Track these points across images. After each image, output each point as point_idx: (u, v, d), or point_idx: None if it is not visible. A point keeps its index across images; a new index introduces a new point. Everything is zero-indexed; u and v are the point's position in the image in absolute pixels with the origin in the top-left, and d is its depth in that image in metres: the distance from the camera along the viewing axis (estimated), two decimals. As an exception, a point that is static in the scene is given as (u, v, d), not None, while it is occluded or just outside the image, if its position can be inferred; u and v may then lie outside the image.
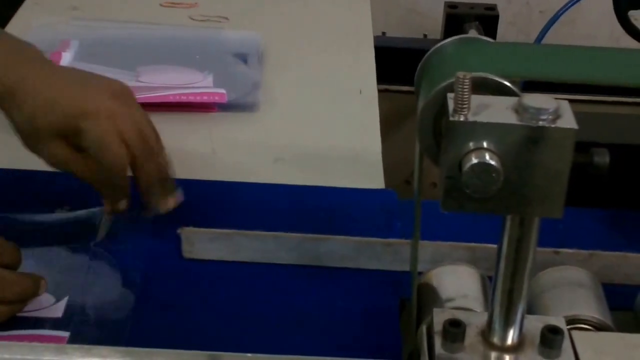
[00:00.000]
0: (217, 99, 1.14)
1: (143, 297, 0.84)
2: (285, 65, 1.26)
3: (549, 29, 1.37)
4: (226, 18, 1.37)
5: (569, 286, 0.79)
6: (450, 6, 1.56)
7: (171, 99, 1.13)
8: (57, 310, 0.82)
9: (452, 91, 0.59)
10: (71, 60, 1.20)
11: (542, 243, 0.64)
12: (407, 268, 0.76)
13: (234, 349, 0.67)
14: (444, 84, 0.63)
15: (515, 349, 0.66)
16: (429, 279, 0.80)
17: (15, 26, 1.31)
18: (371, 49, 1.32)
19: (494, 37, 1.52)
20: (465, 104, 0.58)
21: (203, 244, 0.89)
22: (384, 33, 1.67)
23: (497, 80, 0.63)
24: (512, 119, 0.58)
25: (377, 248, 0.88)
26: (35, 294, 0.81)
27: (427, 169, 0.68)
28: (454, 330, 0.65)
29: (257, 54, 1.26)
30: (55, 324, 0.81)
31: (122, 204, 0.88)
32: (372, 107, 1.18)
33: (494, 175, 0.58)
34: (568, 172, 0.59)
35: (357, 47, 1.32)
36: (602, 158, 0.64)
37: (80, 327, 0.80)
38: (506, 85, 0.63)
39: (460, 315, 0.67)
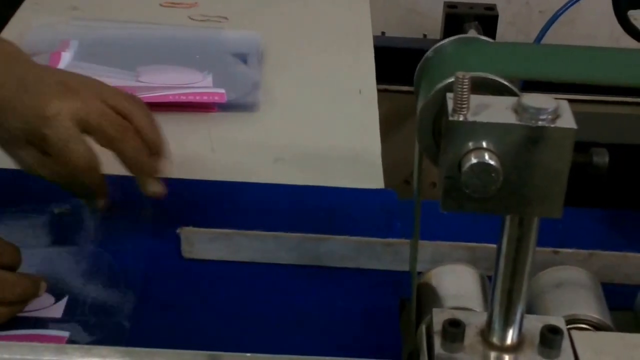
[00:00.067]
0: (216, 99, 1.14)
1: (143, 297, 0.84)
2: (285, 65, 1.26)
3: (548, 28, 1.37)
4: (226, 18, 1.37)
5: (569, 286, 0.79)
6: (449, 6, 1.56)
7: (171, 99, 1.13)
8: (57, 310, 0.82)
9: (451, 91, 0.59)
10: (71, 60, 1.20)
11: (541, 243, 0.64)
12: (407, 268, 0.76)
13: (233, 349, 0.67)
14: (443, 83, 0.63)
15: (514, 348, 0.66)
16: (428, 278, 0.80)
17: (15, 26, 1.31)
18: (371, 49, 1.32)
19: (494, 37, 1.52)
20: (464, 104, 0.58)
21: (203, 244, 0.89)
22: (383, 33, 1.67)
23: (496, 80, 0.63)
24: (511, 118, 0.58)
25: (377, 248, 0.88)
26: (35, 294, 0.81)
27: (426, 169, 0.68)
28: (454, 330, 0.65)
29: (256, 54, 1.26)
30: (55, 324, 0.81)
31: (100, 203, 0.88)
32: (372, 107, 1.18)
33: (493, 175, 0.58)
34: (567, 172, 0.59)
35: (357, 47, 1.32)
36: (602, 158, 0.64)
37: (80, 327, 0.80)
38: (505, 85, 0.63)
39: (460, 315, 0.67)
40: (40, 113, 0.84)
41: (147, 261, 0.89)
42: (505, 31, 1.71)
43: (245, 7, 1.41)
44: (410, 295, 0.76)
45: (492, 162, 0.58)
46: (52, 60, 1.18)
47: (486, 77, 0.63)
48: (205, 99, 1.14)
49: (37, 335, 0.79)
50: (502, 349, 0.66)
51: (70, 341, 0.79)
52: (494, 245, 0.64)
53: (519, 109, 0.58)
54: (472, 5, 1.56)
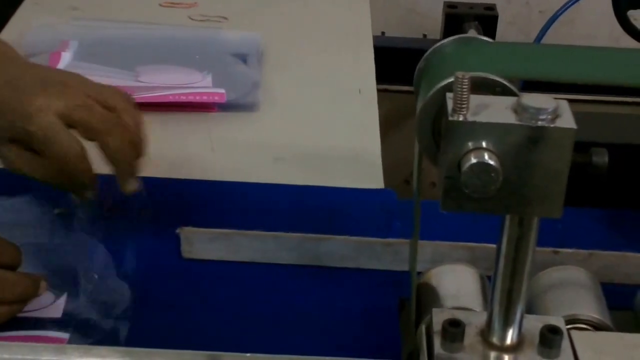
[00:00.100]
0: (216, 99, 1.14)
1: (142, 297, 0.84)
2: (285, 65, 1.26)
3: (548, 28, 1.37)
4: (225, 18, 1.37)
5: (568, 286, 0.79)
6: (449, 6, 1.56)
7: (170, 99, 1.13)
8: (57, 309, 0.82)
9: (451, 91, 0.59)
10: (70, 60, 1.20)
11: (541, 243, 0.64)
12: (406, 268, 0.76)
13: (233, 349, 0.67)
14: (443, 83, 0.63)
15: (514, 348, 0.66)
16: (428, 278, 0.80)
17: (15, 26, 1.31)
18: (370, 49, 1.32)
19: (494, 37, 1.52)
20: (464, 104, 0.58)
21: (202, 243, 0.89)
22: (383, 33, 1.67)
23: (496, 80, 0.63)
24: (511, 118, 0.58)
25: (377, 248, 0.88)
26: (35, 294, 0.81)
27: (426, 169, 0.68)
28: (453, 330, 0.65)
29: (256, 53, 1.26)
30: (55, 324, 0.81)
31: (88, 194, 0.88)
32: (372, 107, 1.18)
33: (493, 175, 0.58)
34: (567, 172, 0.59)
35: (357, 47, 1.32)
36: (601, 158, 0.64)
37: (80, 327, 0.80)
38: (505, 85, 0.63)
39: (460, 315, 0.67)
40: (23, 110, 0.83)
41: (146, 261, 0.89)
42: (505, 31, 1.71)
43: (245, 7, 1.41)
44: (410, 295, 0.76)
45: (491, 162, 0.58)
46: (51, 60, 1.18)
47: (486, 77, 0.63)
48: (205, 99, 1.14)
49: (37, 336, 0.79)
50: (502, 348, 0.66)
51: (70, 342, 0.79)
52: (494, 245, 0.64)
53: (518, 109, 0.58)
54: (472, 5, 1.56)
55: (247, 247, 0.89)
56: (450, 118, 0.58)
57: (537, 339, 0.66)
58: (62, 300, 0.83)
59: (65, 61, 1.19)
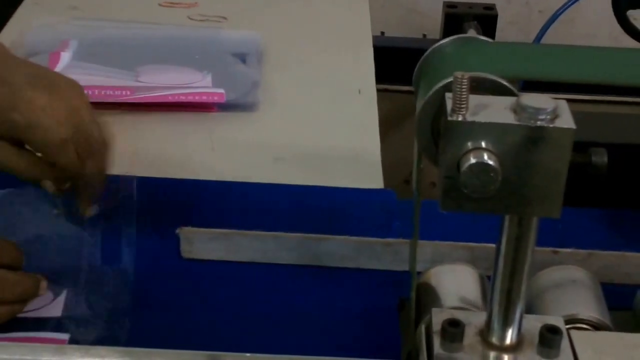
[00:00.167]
0: (216, 98, 1.14)
1: (142, 296, 0.84)
2: (285, 65, 1.26)
3: (548, 28, 1.37)
4: (225, 18, 1.37)
5: (568, 286, 0.79)
6: (449, 6, 1.56)
7: (170, 99, 1.13)
8: (56, 307, 0.82)
9: (450, 91, 0.59)
10: (70, 60, 1.20)
11: (541, 243, 0.64)
12: (406, 268, 0.76)
13: (233, 348, 0.67)
14: (442, 83, 0.63)
15: (514, 348, 0.66)
16: (427, 278, 0.80)
17: (15, 26, 1.31)
18: (370, 49, 1.32)
19: (493, 37, 1.52)
20: (463, 104, 0.58)
21: (202, 243, 0.89)
22: (383, 33, 1.67)
23: (495, 80, 0.63)
24: (510, 118, 0.58)
25: (377, 248, 0.89)
26: (35, 294, 0.81)
27: (426, 169, 0.68)
28: (453, 330, 0.65)
29: (256, 53, 1.26)
30: (55, 324, 0.81)
31: (67, 185, 0.87)
32: (371, 107, 1.18)
33: (492, 175, 0.58)
34: (566, 172, 0.59)
35: (356, 46, 1.32)
36: (601, 158, 0.64)
37: (80, 327, 0.80)
38: (504, 85, 0.63)
39: (459, 315, 0.67)
40: (9, 103, 0.82)
41: (146, 261, 0.89)
42: (504, 31, 1.71)
43: (245, 7, 1.41)
44: (410, 295, 0.76)
45: (491, 162, 0.58)
46: (51, 60, 1.18)
47: (485, 77, 0.63)
48: (204, 98, 1.14)
49: (37, 338, 0.79)
50: (502, 348, 0.66)
51: (71, 342, 0.79)
52: (493, 245, 0.64)
53: (517, 109, 0.58)
54: (471, 5, 1.55)
55: (247, 247, 0.89)
56: (449, 118, 0.58)
57: (536, 339, 0.66)
58: (62, 299, 0.83)
59: (64, 61, 1.19)
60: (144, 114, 1.12)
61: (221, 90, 1.15)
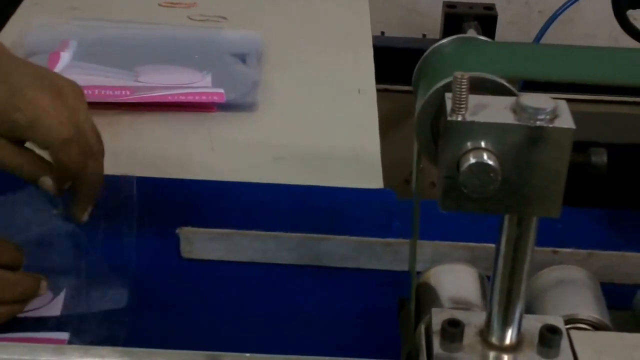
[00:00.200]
0: (215, 98, 1.14)
1: (142, 296, 0.84)
2: (284, 65, 1.26)
3: (547, 28, 1.37)
4: (225, 18, 1.37)
5: (568, 286, 0.79)
6: (448, 6, 1.56)
7: (170, 99, 1.13)
8: (56, 307, 0.82)
9: (450, 91, 0.59)
10: (70, 60, 1.20)
11: (540, 242, 0.64)
12: (406, 268, 0.76)
13: (233, 348, 0.67)
14: (441, 83, 0.63)
15: (513, 348, 0.66)
16: (427, 278, 0.80)
17: (15, 26, 1.31)
18: (370, 49, 1.32)
19: (493, 37, 1.52)
20: (462, 104, 0.58)
21: (202, 243, 0.89)
22: (383, 33, 1.67)
23: (495, 80, 0.63)
24: (510, 118, 0.58)
25: (377, 248, 0.89)
26: (35, 294, 0.81)
27: (426, 169, 0.68)
28: (453, 330, 0.65)
29: (256, 53, 1.26)
30: (54, 324, 0.81)
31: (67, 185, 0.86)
32: (371, 107, 1.18)
33: (492, 175, 0.58)
34: (566, 172, 0.59)
35: (356, 46, 1.32)
36: (600, 158, 0.64)
37: (79, 326, 0.80)
38: (504, 85, 0.63)
39: (459, 315, 0.67)
40: (10, 102, 0.81)
41: (145, 260, 0.89)
42: (504, 31, 1.71)
43: (245, 7, 1.41)
44: (409, 295, 0.76)
45: (490, 162, 0.58)
46: (51, 60, 1.18)
47: (485, 77, 0.63)
48: (204, 98, 1.14)
49: (36, 338, 0.79)
50: (501, 348, 0.66)
51: (70, 342, 0.79)
52: (493, 245, 0.64)
53: (517, 109, 0.58)
54: (471, 5, 1.56)
55: (247, 247, 0.89)
56: (449, 118, 0.58)
57: (536, 339, 0.66)
58: (61, 298, 0.83)
59: (64, 61, 1.19)
60: (143, 114, 1.12)
61: (221, 90, 1.15)
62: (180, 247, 0.90)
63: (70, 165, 0.83)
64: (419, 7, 1.86)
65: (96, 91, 1.11)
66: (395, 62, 1.38)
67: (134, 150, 1.04)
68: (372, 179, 1.03)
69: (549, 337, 0.65)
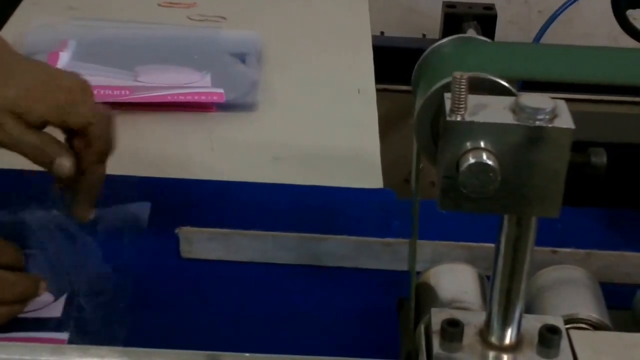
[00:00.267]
0: (215, 98, 1.14)
1: (141, 296, 0.84)
2: (284, 65, 1.26)
3: (547, 28, 1.37)
4: (224, 18, 1.37)
5: (567, 285, 0.79)
6: (448, 6, 1.56)
7: (169, 99, 1.13)
8: (57, 308, 0.82)
9: (449, 91, 0.59)
10: (69, 60, 1.20)
11: (540, 242, 0.64)
12: (405, 267, 0.76)
13: (232, 348, 0.67)
14: (441, 83, 0.63)
15: (513, 348, 0.66)
16: (427, 278, 0.80)
17: (14, 26, 1.31)
18: (370, 49, 1.32)
19: (493, 37, 1.52)
20: (462, 104, 0.58)
21: (201, 243, 0.89)
22: (382, 32, 1.67)
23: (494, 80, 0.63)
24: (509, 118, 0.58)
25: (376, 248, 0.89)
26: (35, 294, 0.81)
27: (426, 168, 0.68)
28: (452, 329, 0.65)
29: (255, 53, 1.26)
30: (54, 324, 0.81)
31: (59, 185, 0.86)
32: (371, 107, 1.18)
33: (491, 175, 0.58)
34: (565, 172, 0.59)
35: (356, 46, 1.32)
36: (600, 158, 0.64)
37: (80, 327, 0.80)
38: (503, 85, 0.63)
39: (459, 315, 0.67)
40: (68, 100, 0.82)
41: (146, 261, 0.89)
42: (504, 31, 1.71)
43: (244, 7, 1.41)
44: (409, 295, 0.76)
45: (490, 162, 0.58)
46: (50, 60, 1.18)
47: (484, 77, 0.63)
48: (203, 98, 1.14)
49: (36, 338, 0.79)
50: (501, 348, 0.66)
51: (70, 342, 0.79)
52: (493, 245, 0.64)
53: (516, 109, 0.58)
54: (471, 5, 1.56)
55: (246, 246, 0.89)
56: (448, 118, 0.58)
57: (536, 339, 0.66)
58: (62, 301, 0.83)
59: (63, 61, 1.19)
60: (143, 114, 1.12)
61: (220, 90, 1.15)
62: (180, 247, 0.90)
63: (111, 139, 0.84)
64: (418, 7, 1.86)
65: (95, 91, 1.11)
66: (394, 62, 1.38)
67: (134, 150, 1.04)
68: (372, 178, 1.03)
69: (548, 337, 0.65)
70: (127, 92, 1.13)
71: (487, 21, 1.53)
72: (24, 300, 0.81)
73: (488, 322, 0.66)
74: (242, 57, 1.25)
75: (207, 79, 1.18)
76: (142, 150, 1.04)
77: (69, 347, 0.68)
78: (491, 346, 0.66)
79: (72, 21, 1.32)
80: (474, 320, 0.68)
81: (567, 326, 0.69)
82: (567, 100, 0.60)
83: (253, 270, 0.89)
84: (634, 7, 1.21)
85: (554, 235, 0.88)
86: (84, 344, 0.77)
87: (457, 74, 0.57)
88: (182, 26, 1.34)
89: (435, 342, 0.66)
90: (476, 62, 0.65)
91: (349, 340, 0.82)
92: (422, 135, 0.65)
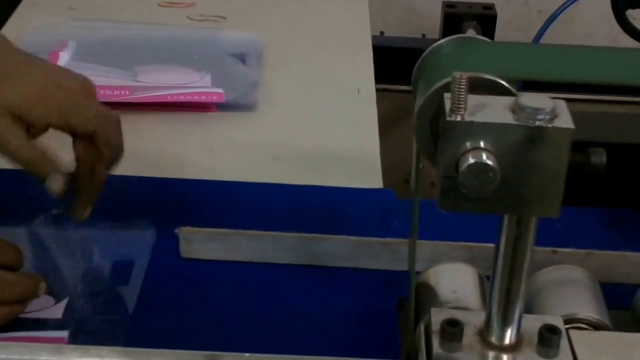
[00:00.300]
0: (215, 98, 1.14)
1: (141, 296, 0.84)
2: (284, 65, 1.26)
3: (547, 28, 1.37)
4: (224, 18, 1.37)
5: (567, 285, 0.79)
6: (448, 5, 1.56)
7: (169, 99, 1.13)
8: (57, 311, 0.82)
9: (449, 91, 0.59)
10: (69, 60, 1.20)
11: (539, 242, 0.64)
12: (405, 267, 0.76)
13: (232, 348, 0.67)
14: (440, 83, 0.63)
15: (513, 348, 0.66)
16: (426, 278, 0.80)
17: (13, 26, 1.31)
18: (369, 49, 1.32)
19: (492, 37, 1.52)
20: (461, 104, 0.58)
21: (201, 243, 0.89)
22: (382, 32, 1.67)
23: (493, 80, 0.63)
24: (509, 118, 0.58)
25: (376, 247, 0.89)
26: (35, 294, 0.81)
27: (426, 168, 0.68)
28: (452, 329, 0.65)
29: (255, 53, 1.26)
30: (54, 324, 0.81)
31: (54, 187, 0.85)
32: (371, 107, 1.18)
33: (490, 175, 0.58)
34: (565, 172, 0.59)
35: (356, 46, 1.32)
36: (599, 158, 0.64)
37: (80, 326, 0.80)
38: (503, 85, 0.63)
39: (458, 315, 0.67)
40: (74, 102, 0.83)
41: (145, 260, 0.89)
42: (503, 30, 1.71)
43: (244, 7, 1.41)
44: (408, 295, 0.76)
45: (489, 162, 0.58)
46: (50, 60, 1.18)
47: (483, 77, 0.63)
48: (203, 98, 1.14)
49: (36, 337, 0.79)
50: (501, 348, 0.66)
51: (70, 340, 0.79)
52: (492, 245, 0.64)
53: (516, 109, 0.58)
54: (470, 5, 1.56)
55: (246, 246, 0.89)
56: (447, 118, 0.58)
57: (535, 339, 0.66)
58: (63, 303, 0.83)
59: (63, 61, 1.19)
60: (142, 114, 1.12)
61: (220, 90, 1.15)
62: (180, 247, 0.89)
63: (119, 144, 0.84)
64: (418, 6, 1.86)
65: (95, 91, 1.11)
66: (394, 62, 1.38)
67: (133, 150, 1.04)
68: (372, 178, 1.03)
69: (548, 336, 0.65)
70: (127, 92, 1.13)
71: (486, 21, 1.53)
72: (24, 300, 0.81)
73: (488, 322, 0.66)
74: (242, 58, 1.25)
75: (207, 79, 1.18)
76: (142, 150, 1.04)
77: (69, 347, 0.68)
78: (491, 346, 0.66)
79: (72, 21, 1.32)
80: (473, 320, 0.68)
81: (567, 326, 0.69)
82: (566, 100, 0.60)
83: (253, 270, 0.89)
84: (633, 7, 1.21)
85: (553, 235, 0.88)
86: (84, 344, 0.77)
87: (457, 74, 0.57)
88: (182, 26, 1.34)
89: (435, 342, 0.66)
90: (476, 62, 0.65)
91: (349, 340, 0.82)
92: (421, 135, 0.65)
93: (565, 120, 0.58)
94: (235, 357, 0.65)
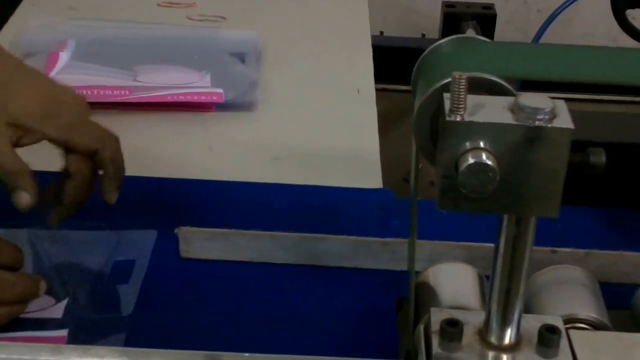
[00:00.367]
0: (214, 98, 1.14)
1: (141, 296, 0.85)
2: (283, 65, 1.26)
3: (546, 28, 1.37)
4: (224, 17, 1.38)
5: (566, 285, 0.79)
6: (447, 5, 1.56)
7: (169, 99, 1.13)
8: (57, 311, 0.82)
9: (448, 91, 0.59)
10: (68, 60, 1.20)
11: (539, 242, 0.64)
12: (404, 267, 0.76)
13: (232, 348, 0.67)
14: (440, 83, 0.63)
15: (512, 348, 0.66)
16: (426, 277, 0.80)
17: (13, 26, 1.31)
18: (369, 48, 1.32)
19: (492, 36, 1.53)
20: (461, 104, 0.58)
21: (200, 243, 0.89)
22: (381, 32, 1.67)
23: (493, 80, 0.63)
24: (508, 118, 0.58)
25: (375, 247, 0.89)
26: (35, 294, 0.81)
27: (425, 168, 0.68)
28: (452, 329, 0.65)
29: (255, 53, 1.26)
30: (54, 324, 0.81)
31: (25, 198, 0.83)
32: (370, 106, 1.18)
33: (490, 175, 0.58)
34: (564, 172, 0.59)
35: (355, 46, 1.32)
36: (599, 158, 0.64)
37: (80, 326, 0.80)
38: (502, 85, 0.63)
39: (458, 315, 0.67)
40: (71, 121, 0.82)
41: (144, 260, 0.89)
42: (503, 30, 1.71)
43: (243, 7, 1.42)
44: (408, 294, 0.76)
45: (489, 162, 0.58)
46: (49, 60, 1.18)
47: (483, 77, 0.63)
48: (203, 98, 1.14)
49: (36, 337, 0.79)
50: (500, 348, 0.66)
51: (69, 340, 0.79)
52: (492, 245, 0.64)
53: (515, 109, 0.58)
54: (470, 5, 1.56)
55: (245, 246, 0.89)
56: (447, 118, 0.58)
57: (535, 339, 0.66)
58: (63, 303, 0.83)
59: (63, 61, 1.19)
60: (142, 114, 1.12)
61: (220, 90, 1.15)
62: (179, 246, 0.90)
63: (121, 159, 0.85)
64: (417, 6, 1.86)
65: (94, 91, 1.11)
66: (394, 61, 1.38)
67: (133, 150, 1.04)
68: (371, 178, 1.03)
69: (548, 336, 0.65)
70: (127, 92, 1.13)
71: (486, 21, 1.53)
72: (24, 300, 0.81)
73: (487, 322, 0.66)
74: (241, 57, 1.25)
75: (207, 79, 1.18)
76: (142, 150, 1.05)
77: (68, 347, 0.68)
78: (490, 346, 0.66)
79: (72, 21, 1.32)
80: (473, 319, 0.68)
81: (567, 326, 0.69)
82: (566, 100, 0.60)
83: (252, 270, 0.89)
84: (633, 7, 1.21)
85: (553, 235, 0.88)
86: (84, 344, 0.77)
87: (456, 74, 0.57)
88: (182, 26, 1.34)
89: (435, 341, 0.66)
90: (475, 62, 0.65)
91: (348, 340, 0.82)
92: (421, 135, 0.65)
93: (564, 120, 0.58)
94: (235, 357, 0.65)
